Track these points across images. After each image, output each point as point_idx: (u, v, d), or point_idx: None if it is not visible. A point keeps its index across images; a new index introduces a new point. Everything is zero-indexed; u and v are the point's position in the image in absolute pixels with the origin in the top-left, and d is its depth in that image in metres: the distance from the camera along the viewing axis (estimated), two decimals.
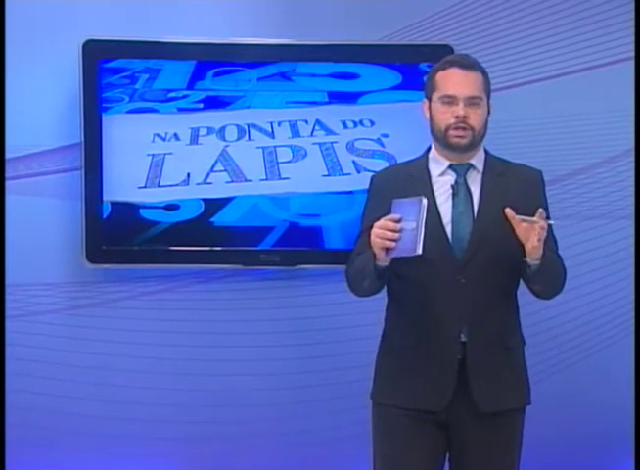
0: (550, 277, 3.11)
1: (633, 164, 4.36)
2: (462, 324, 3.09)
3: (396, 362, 3.18)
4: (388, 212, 3.04)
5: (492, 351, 3.12)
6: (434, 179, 3.17)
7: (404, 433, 3.15)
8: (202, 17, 4.28)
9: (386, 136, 4.31)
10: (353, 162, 4.31)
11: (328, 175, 4.32)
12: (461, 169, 3.16)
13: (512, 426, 3.19)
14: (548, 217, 3.15)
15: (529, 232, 2.98)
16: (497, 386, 3.12)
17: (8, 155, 4.22)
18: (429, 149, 3.22)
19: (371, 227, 3.08)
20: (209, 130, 4.28)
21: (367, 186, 3.30)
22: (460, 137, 3.10)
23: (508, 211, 2.98)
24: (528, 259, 3.02)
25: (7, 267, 4.10)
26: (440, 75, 3.13)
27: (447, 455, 3.23)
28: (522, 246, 3.02)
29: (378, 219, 3.04)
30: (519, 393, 3.20)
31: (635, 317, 4.30)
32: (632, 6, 4.31)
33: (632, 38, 4.31)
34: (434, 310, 3.08)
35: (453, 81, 3.10)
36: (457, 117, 3.09)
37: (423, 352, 3.12)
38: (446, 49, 4.06)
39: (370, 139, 4.31)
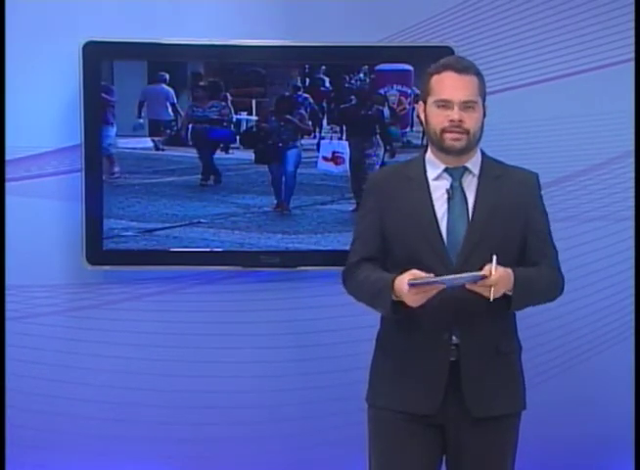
0: (535, 295, 3.14)
1: (633, 166, 4.36)
2: (453, 327, 3.10)
3: (390, 365, 3.19)
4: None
5: (485, 355, 3.12)
6: (430, 182, 3.16)
7: (398, 435, 3.16)
8: (202, 18, 4.27)
9: None
10: None
11: None
12: (456, 173, 3.15)
13: (507, 430, 3.20)
14: (546, 220, 3.21)
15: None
16: (490, 390, 3.12)
17: (8, 156, 4.23)
18: (426, 149, 3.21)
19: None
20: None
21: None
22: (455, 140, 3.09)
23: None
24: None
25: (7, 269, 4.11)
26: (435, 79, 3.12)
27: (444, 457, 3.24)
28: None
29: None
30: (513, 398, 3.20)
31: (635, 319, 4.29)
32: (632, 8, 4.31)
33: (632, 40, 4.31)
34: (426, 313, 3.06)
35: (448, 85, 3.09)
36: (452, 120, 3.07)
37: (415, 355, 3.13)
38: (447, 50, 4.03)
39: None
